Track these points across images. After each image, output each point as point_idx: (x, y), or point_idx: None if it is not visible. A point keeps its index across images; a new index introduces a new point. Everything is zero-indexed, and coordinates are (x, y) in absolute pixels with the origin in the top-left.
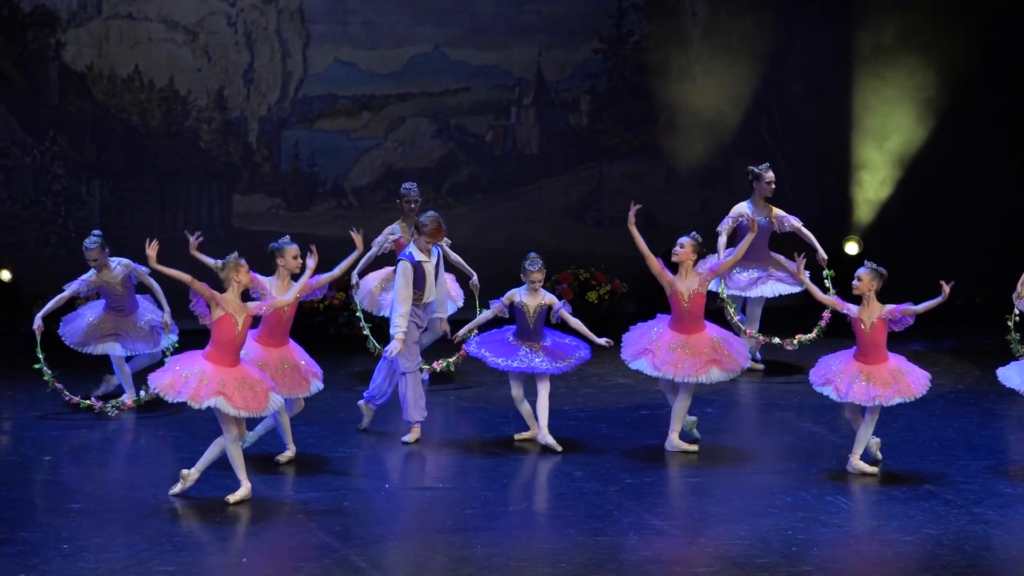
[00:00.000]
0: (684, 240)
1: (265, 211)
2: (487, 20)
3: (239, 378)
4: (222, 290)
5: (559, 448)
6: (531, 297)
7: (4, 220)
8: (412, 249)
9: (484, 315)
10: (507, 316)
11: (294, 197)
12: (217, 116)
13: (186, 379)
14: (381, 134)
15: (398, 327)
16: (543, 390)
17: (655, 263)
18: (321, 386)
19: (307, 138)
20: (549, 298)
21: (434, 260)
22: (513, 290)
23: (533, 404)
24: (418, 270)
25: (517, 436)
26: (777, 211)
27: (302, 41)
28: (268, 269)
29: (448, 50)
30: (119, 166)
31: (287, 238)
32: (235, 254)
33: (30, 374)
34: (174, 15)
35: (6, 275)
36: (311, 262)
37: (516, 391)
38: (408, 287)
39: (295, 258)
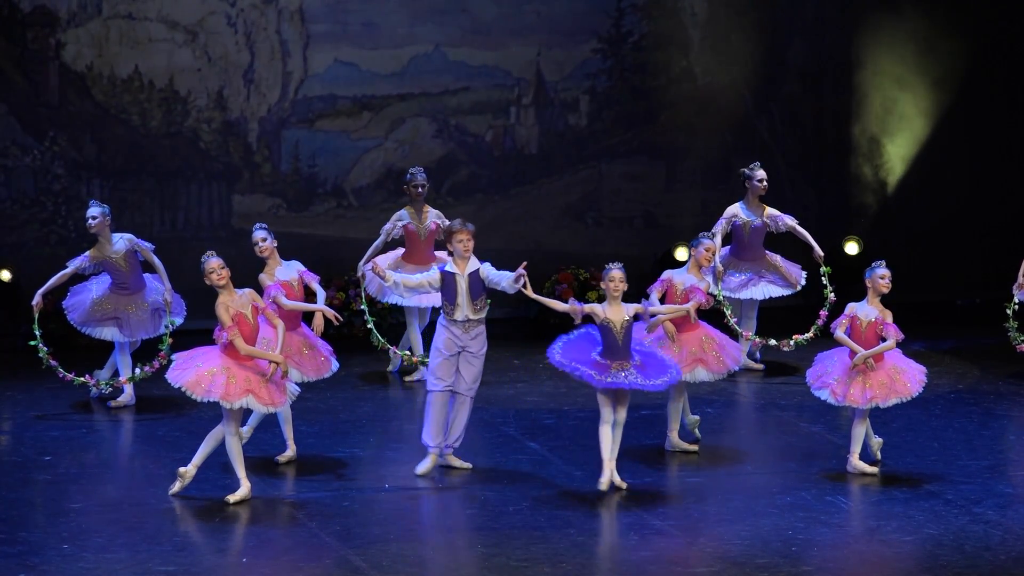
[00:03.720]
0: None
1: (265, 211)
2: (487, 20)
3: (261, 372)
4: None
5: (624, 485)
6: (615, 311)
7: (4, 220)
8: (449, 260)
9: (558, 303)
10: (577, 322)
11: (294, 197)
12: (217, 116)
13: (213, 377)
14: (381, 134)
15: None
16: (619, 418)
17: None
18: (338, 365)
19: (307, 138)
20: (632, 308)
21: (467, 273)
22: (595, 304)
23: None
24: (447, 280)
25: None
26: (770, 210)
27: (302, 41)
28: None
29: (448, 50)
30: (119, 166)
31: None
32: (207, 254)
33: (30, 374)
34: (174, 15)
35: (6, 275)
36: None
37: (607, 413)
38: (423, 281)
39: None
